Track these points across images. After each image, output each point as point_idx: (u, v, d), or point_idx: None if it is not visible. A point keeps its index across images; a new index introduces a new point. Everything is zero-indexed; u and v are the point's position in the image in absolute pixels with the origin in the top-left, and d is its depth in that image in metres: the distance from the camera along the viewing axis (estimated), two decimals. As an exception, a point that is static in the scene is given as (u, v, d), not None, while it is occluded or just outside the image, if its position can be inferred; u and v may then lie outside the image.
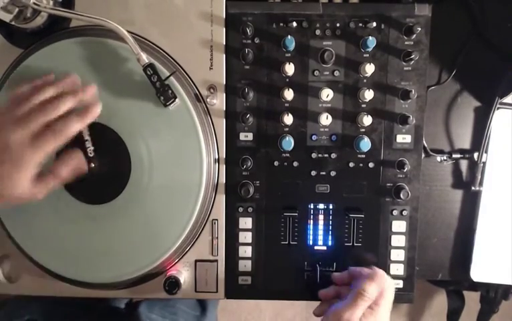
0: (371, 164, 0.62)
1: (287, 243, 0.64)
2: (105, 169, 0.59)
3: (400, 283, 0.64)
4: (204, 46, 0.60)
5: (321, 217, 0.63)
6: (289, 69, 0.60)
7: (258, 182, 0.63)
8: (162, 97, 0.55)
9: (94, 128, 0.58)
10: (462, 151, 0.69)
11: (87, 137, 0.56)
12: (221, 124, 0.62)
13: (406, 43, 0.60)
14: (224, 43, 0.60)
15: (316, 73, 0.61)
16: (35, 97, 0.52)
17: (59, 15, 0.56)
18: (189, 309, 0.80)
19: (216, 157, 0.62)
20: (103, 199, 0.60)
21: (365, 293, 0.54)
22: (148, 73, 0.55)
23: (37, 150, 0.50)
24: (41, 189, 0.52)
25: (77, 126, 0.52)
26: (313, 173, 0.63)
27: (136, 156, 0.59)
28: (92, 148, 0.57)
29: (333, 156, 0.62)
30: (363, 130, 0.62)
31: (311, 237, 0.64)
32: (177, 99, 0.57)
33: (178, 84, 0.58)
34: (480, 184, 0.68)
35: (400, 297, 0.64)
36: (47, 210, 0.59)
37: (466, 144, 0.69)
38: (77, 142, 0.55)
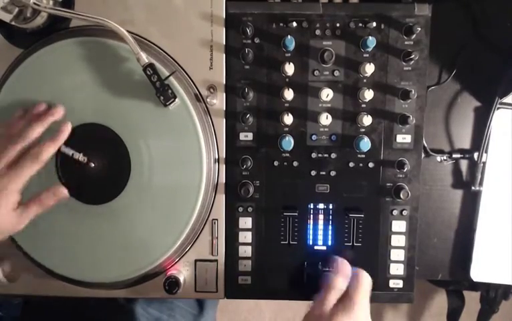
0: (371, 164, 0.62)
1: (287, 242, 0.64)
2: (105, 169, 0.59)
3: (400, 283, 0.64)
4: (204, 46, 0.60)
5: (321, 216, 0.63)
6: (289, 69, 0.60)
7: (258, 182, 0.63)
8: (162, 97, 0.55)
9: (94, 128, 0.58)
10: (462, 151, 0.69)
11: (71, 152, 0.57)
12: (221, 124, 0.62)
13: (406, 43, 0.60)
14: (224, 43, 0.60)
15: (316, 73, 0.61)
16: (4, 132, 0.55)
17: (59, 15, 0.56)
18: (186, 307, 0.80)
19: (216, 157, 0.62)
20: (103, 199, 0.60)
21: (331, 285, 0.57)
22: (148, 73, 0.55)
23: (13, 178, 0.53)
24: (22, 219, 0.55)
25: (50, 149, 0.55)
26: (313, 173, 0.63)
27: (136, 156, 0.59)
28: (82, 155, 0.58)
29: (333, 156, 0.62)
30: (363, 130, 0.62)
31: (311, 237, 0.64)
32: (177, 99, 0.57)
33: (178, 84, 0.58)
34: (480, 184, 0.68)
35: (400, 297, 0.64)
36: (47, 210, 0.59)
37: (466, 144, 0.69)
38: (67, 161, 0.57)
